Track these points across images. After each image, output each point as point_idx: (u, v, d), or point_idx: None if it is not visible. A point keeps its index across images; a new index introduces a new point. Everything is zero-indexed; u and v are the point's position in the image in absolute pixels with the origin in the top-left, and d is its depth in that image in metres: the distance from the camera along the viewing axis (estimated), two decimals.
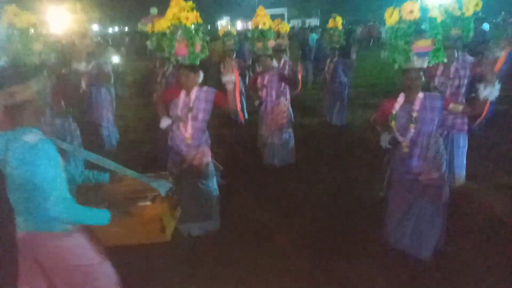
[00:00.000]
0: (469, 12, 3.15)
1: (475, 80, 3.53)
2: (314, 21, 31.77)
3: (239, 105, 3.36)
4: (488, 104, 2.73)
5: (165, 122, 3.41)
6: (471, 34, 3.50)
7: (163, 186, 2.25)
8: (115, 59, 6.69)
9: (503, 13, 29.69)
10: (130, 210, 2.06)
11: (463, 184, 4.12)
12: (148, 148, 5.94)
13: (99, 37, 10.84)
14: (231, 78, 3.16)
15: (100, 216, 1.89)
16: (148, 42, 5.58)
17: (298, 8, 39.29)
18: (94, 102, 5.63)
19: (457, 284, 2.81)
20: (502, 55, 3.30)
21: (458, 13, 3.39)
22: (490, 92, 2.61)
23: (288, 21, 33.12)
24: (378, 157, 3.24)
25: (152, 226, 2.22)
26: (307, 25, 25.42)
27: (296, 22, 35.11)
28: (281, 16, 29.60)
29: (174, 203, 2.45)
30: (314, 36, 12.07)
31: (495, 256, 3.08)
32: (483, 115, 2.93)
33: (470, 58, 3.88)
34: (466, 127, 3.94)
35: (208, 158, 3.42)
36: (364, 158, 5.23)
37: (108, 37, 23.09)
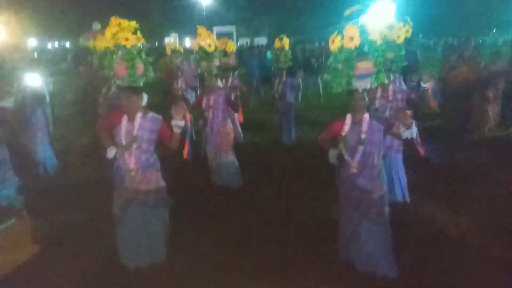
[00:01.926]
0: (400, 39, 3.34)
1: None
2: (262, 40, 32.45)
3: (186, 150, 3.25)
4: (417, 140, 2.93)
5: (112, 152, 3.12)
6: (403, 58, 3.71)
7: None
8: (49, 77, 6.26)
9: (420, 35, 32.74)
10: None
11: (405, 201, 4.31)
12: (88, 172, 5.59)
13: (35, 52, 10.18)
14: (180, 123, 2.98)
15: None
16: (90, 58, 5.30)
17: (246, 27, 40.07)
18: (28, 124, 5.21)
19: None
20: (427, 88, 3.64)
21: (392, 38, 3.59)
22: (410, 132, 2.81)
23: (237, 40, 33.63)
24: (327, 173, 3.30)
25: None
26: (255, 43, 25.84)
27: (245, 41, 35.70)
28: (230, 34, 29.96)
29: None
30: (269, 54, 12.22)
31: (443, 268, 3.22)
32: (421, 151, 3.14)
33: (403, 84, 4.14)
34: (401, 148, 4.16)
35: (157, 183, 3.22)
36: (313, 174, 5.32)
37: (47, 52, 21.89)
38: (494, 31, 36.75)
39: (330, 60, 2.81)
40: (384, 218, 3.02)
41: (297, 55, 13.01)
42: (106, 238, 3.44)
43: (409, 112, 2.80)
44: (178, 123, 2.98)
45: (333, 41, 2.76)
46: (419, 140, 3.04)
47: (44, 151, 5.47)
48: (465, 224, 3.92)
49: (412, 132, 2.80)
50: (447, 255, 3.41)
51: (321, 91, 11.43)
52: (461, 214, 4.14)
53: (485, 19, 33.71)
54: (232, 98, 5.31)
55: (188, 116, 3.09)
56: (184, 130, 3.12)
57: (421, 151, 3.15)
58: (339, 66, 2.75)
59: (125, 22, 2.93)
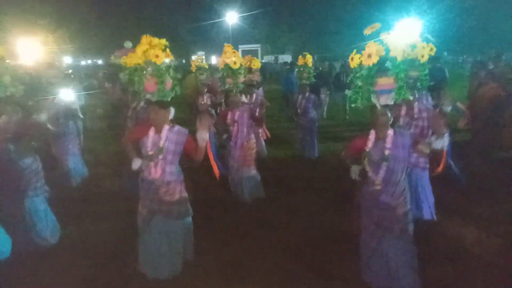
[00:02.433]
0: (424, 59, 3.32)
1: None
2: (286, 57, 32.83)
3: (213, 161, 3.27)
4: (445, 153, 2.84)
5: (136, 163, 3.21)
6: (427, 79, 3.66)
7: None
8: (82, 92, 6.58)
9: (445, 53, 32.15)
10: None
11: (432, 219, 4.19)
12: (116, 183, 5.75)
13: (70, 70, 10.70)
14: (205, 136, 3.07)
15: None
16: (121, 75, 5.52)
17: (271, 45, 40.68)
18: (61, 136, 5.46)
19: None
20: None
21: (415, 57, 3.56)
22: (440, 143, 2.72)
23: (262, 57, 34.13)
24: (349, 189, 3.28)
25: None
26: (279, 61, 26.15)
27: (270, 58, 36.16)
28: (255, 52, 30.51)
29: None
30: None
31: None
32: (441, 166, 3.01)
33: (430, 101, 4.05)
34: (428, 165, 4.05)
35: (180, 195, 3.29)
36: (336, 190, 5.26)
37: (80, 69, 22.92)
38: None
39: (351, 76, 2.84)
40: (408, 234, 2.95)
41: (324, 71, 13.00)
42: (131, 247, 3.51)
43: (444, 120, 2.71)
44: (203, 135, 3.06)
45: (352, 59, 2.80)
46: (446, 153, 2.93)
47: (74, 162, 5.70)
48: (492, 244, 3.78)
49: (444, 142, 2.71)
50: (473, 275, 3.29)
51: (347, 107, 11.34)
52: (489, 234, 3.99)
53: None
54: (257, 113, 5.39)
55: (213, 129, 3.15)
56: (211, 143, 3.18)
57: (442, 165, 3.03)
58: (360, 82, 2.77)
59: (155, 40, 3.06)
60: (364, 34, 2.79)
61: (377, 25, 2.77)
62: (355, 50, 2.78)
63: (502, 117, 6.91)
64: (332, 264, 3.53)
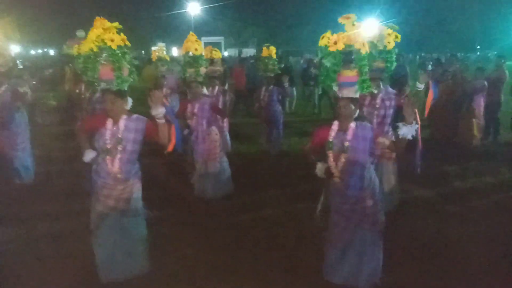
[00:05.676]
0: (390, 45, 3.32)
1: (397, 114, 3.72)
2: (251, 51, 32.68)
3: (173, 133, 3.10)
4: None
5: (89, 155, 3.02)
6: (394, 65, 3.70)
7: None
8: (31, 82, 6.11)
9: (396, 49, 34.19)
10: None
11: (396, 209, 4.25)
12: (70, 181, 5.37)
13: (19, 60, 9.97)
14: (161, 111, 2.86)
15: None
16: (69, 66, 5.18)
17: (235, 37, 40.36)
18: (6, 129, 5.02)
19: None
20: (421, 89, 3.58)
21: (381, 46, 3.58)
22: (407, 131, 2.65)
23: (225, 50, 33.76)
24: (314, 185, 3.24)
25: None
26: (244, 54, 25.94)
27: (233, 51, 35.85)
28: (218, 44, 30.07)
29: None
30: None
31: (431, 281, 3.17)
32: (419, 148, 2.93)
33: (391, 90, 4.10)
34: (394, 155, 4.10)
35: (137, 192, 3.12)
36: (301, 185, 5.23)
37: (31, 59, 21.57)
38: (478, 47, 37.90)
39: (319, 55, 2.80)
40: (378, 227, 2.96)
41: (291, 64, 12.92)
42: (86, 249, 3.26)
43: (412, 108, 2.62)
44: (158, 111, 2.84)
45: (322, 38, 2.76)
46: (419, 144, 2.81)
47: (24, 158, 5.28)
48: (451, 235, 3.90)
49: (410, 132, 2.65)
50: (434, 266, 3.37)
51: (316, 102, 11.35)
52: (448, 226, 4.12)
53: (468, 36, 34.82)
54: (219, 105, 5.25)
55: (167, 102, 2.98)
56: (169, 118, 3.01)
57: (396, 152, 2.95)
58: (328, 63, 2.73)
59: (108, 23, 2.84)
60: (339, 22, 2.73)
61: (353, 15, 2.71)
62: (329, 31, 2.73)
63: (459, 112, 7.23)
64: (301, 261, 3.48)
